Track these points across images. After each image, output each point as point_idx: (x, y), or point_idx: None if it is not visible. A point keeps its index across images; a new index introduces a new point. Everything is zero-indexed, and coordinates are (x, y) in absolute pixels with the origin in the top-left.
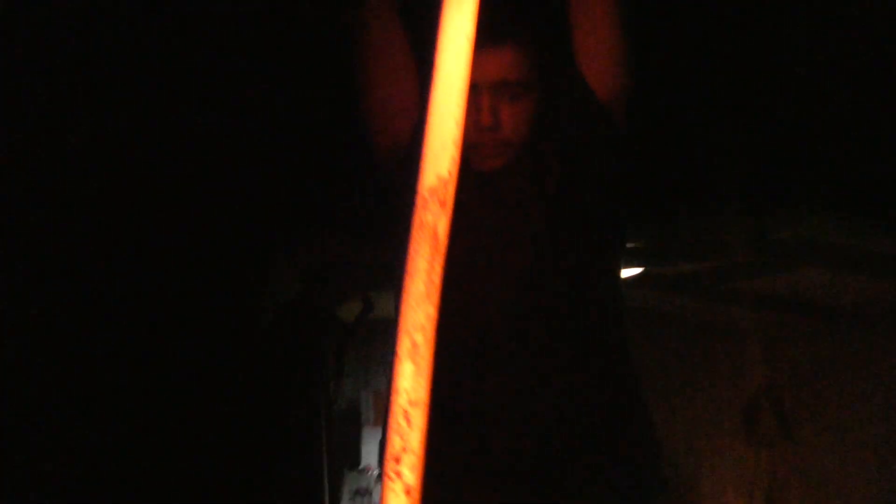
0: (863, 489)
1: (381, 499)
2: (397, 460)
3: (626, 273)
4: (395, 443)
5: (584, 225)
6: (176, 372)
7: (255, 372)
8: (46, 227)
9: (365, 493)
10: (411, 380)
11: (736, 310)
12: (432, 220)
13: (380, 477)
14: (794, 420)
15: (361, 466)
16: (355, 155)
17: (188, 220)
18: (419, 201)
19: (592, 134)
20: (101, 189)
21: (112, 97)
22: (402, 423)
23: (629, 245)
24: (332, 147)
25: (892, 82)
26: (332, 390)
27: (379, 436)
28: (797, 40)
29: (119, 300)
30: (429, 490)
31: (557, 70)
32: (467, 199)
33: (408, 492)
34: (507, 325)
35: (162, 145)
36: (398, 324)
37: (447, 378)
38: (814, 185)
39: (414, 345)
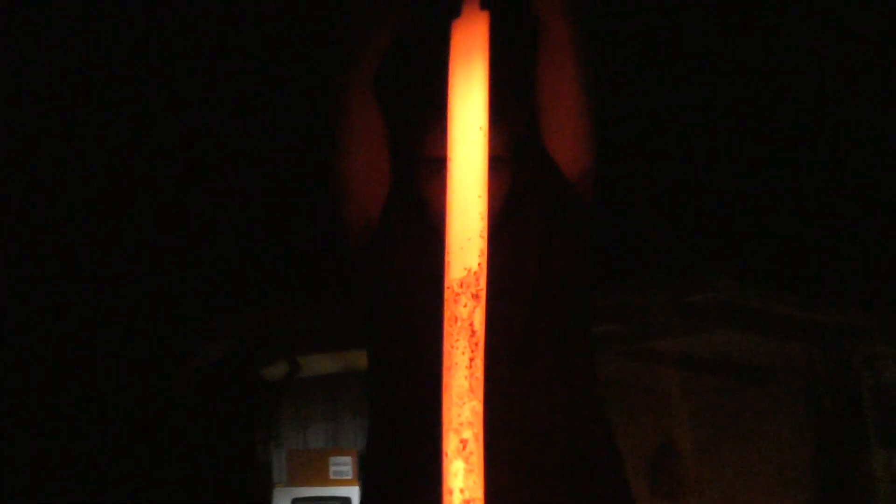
0: None
1: None
2: None
3: None
4: None
5: (559, 285)
6: (87, 435)
7: (173, 432)
8: None
9: None
10: (464, 478)
11: (647, 367)
12: (467, 313)
13: None
14: (694, 472)
15: None
16: (314, 224)
17: (115, 280)
18: (448, 294)
19: (561, 209)
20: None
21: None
22: None
23: None
24: (281, 211)
25: (792, 164)
26: (260, 449)
27: (287, 496)
28: (706, 114)
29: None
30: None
31: (528, 146)
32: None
33: None
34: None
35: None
36: (440, 422)
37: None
38: (725, 255)
39: (463, 442)
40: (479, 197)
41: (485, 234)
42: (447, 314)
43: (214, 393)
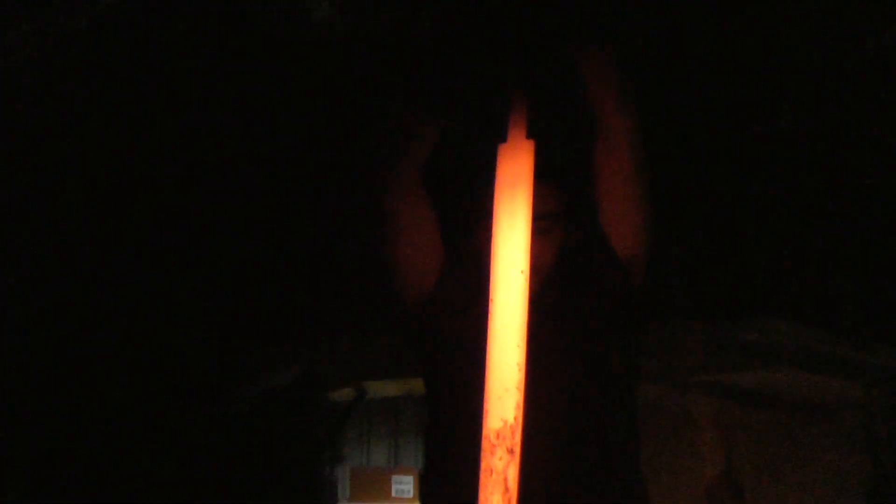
0: None
1: None
2: None
3: None
4: None
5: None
6: (155, 455)
7: (240, 451)
8: None
9: None
10: None
11: (701, 400)
12: (502, 467)
13: None
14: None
15: None
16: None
17: (187, 303)
18: (485, 445)
19: (610, 282)
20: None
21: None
22: None
23: None
24: (347, 254)
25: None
26: (327, 468)
27: None
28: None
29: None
30: None
31: (583, 210)
32: None
33: None
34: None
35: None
36: None
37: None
38: (776, 296)
39: None
40: (518, 346)
41: (522, 387)
42: (483, 464)
43: (282, 413)
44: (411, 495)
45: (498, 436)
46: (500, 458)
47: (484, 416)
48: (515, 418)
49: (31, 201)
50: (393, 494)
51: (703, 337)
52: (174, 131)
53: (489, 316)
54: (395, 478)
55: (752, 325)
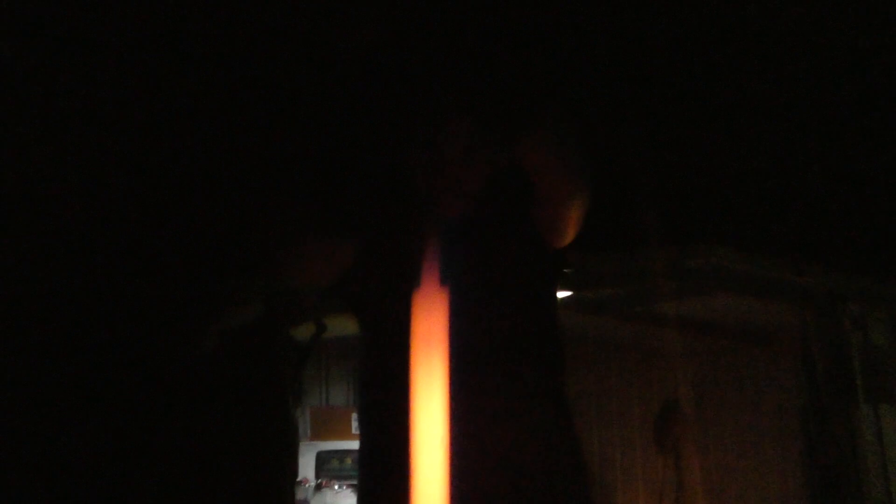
0: (758, 490)
1: None
2: None
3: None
4: None
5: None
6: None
7: (205, 393)
8: None
9: (303, 503)
10: None
11: (649, 330)
12: None
13: (317, 487)
14: (699, 430)
15: (299, 479)
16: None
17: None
18: None
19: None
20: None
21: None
22: None
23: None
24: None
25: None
26: (291, 408)
27: (312, 450)
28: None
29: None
30: None
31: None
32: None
33: None
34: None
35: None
36: None
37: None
38: (720, 222)
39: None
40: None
41: None
42: None
43: (245, 354)
44: None
45: None
46: None
47: None
48: None
49: None
50: (353, 431)
51: (645, 265)
52: None
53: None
54: (355, 416)
55: (694, 252)
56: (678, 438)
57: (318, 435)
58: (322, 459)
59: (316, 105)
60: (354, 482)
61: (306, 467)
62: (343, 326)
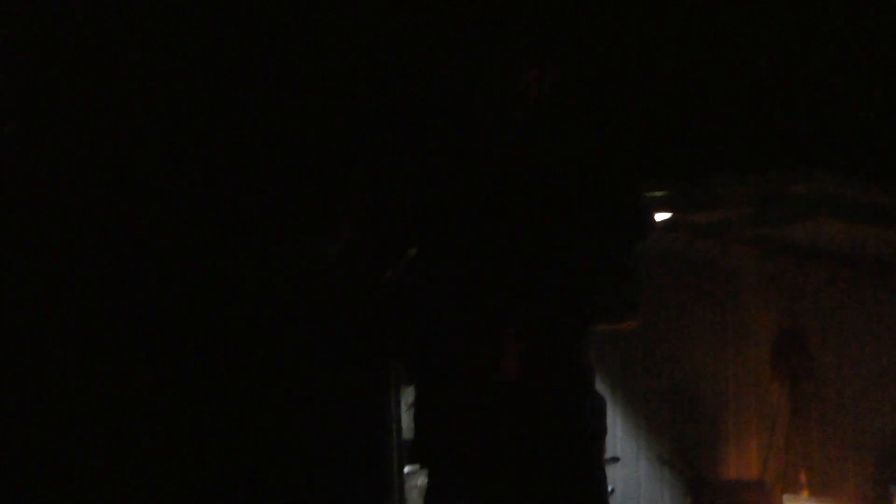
0: (874, 424)
1: None
2: None
3: (658, 218)
4: None
5: None
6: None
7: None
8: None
9: None
10: None
11: (762, 255)
12: None
13: None
14: (817, 359)
15: None
16: None
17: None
18: None
19: None
20: None
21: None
22: None
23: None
24: None
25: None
26: None
27: None
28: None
29: None
30: None
31: None
32: None
33: None
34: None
35: None
36: None
37: None
38: (825, 147)
39: None
40: None
41: None
42: None
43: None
44: None
45: None
46: None
47: None
48: None
49: None
50: None
51: (748, 190)
52: None
53: None
54: None
55: (797, 178)
56: (795, 367)
57: None
58: None
59: None
60: None
61: None
62: None
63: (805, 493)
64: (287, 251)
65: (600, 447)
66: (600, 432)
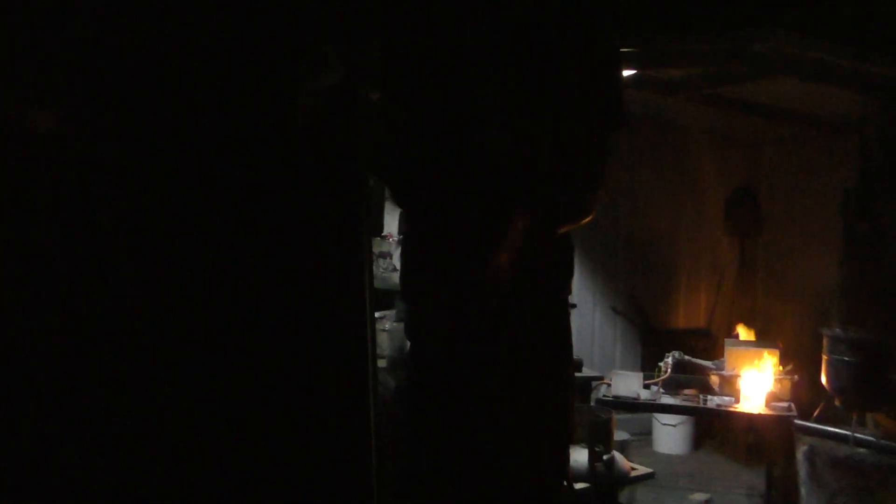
0: (815, 275)
1: None
2: None
3: (625, 73)
4: None
5: None
6: None
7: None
8: None
9: (387, 255)
10: None
11: (721, 113)
12: None
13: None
14: (766, 214)
15: (384, 233)
16: None
17: None
18: None
19: None
20: None
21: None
22: None
23: (626, 49)
24: None
25: None
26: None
27: (397, 210)
28: None
29: None
30: None
31: None
32: None
33: None
34: None
35: None
36: None
37: None
38: (780, 5)
39: None
40: None
41: None
42: None
43: (332, 113)
44: None
45: None
46: None
47: None
48: None
49: None
50: None
51: (711, 47)
52: None
53: None
54: None
55: (756, 36)
56: (745, 222)
57: None
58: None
59: None
60: None
61: (391, 224)
62: None
63: (739, 326)
64: None
65: (567, 288)
66: (568, 273)
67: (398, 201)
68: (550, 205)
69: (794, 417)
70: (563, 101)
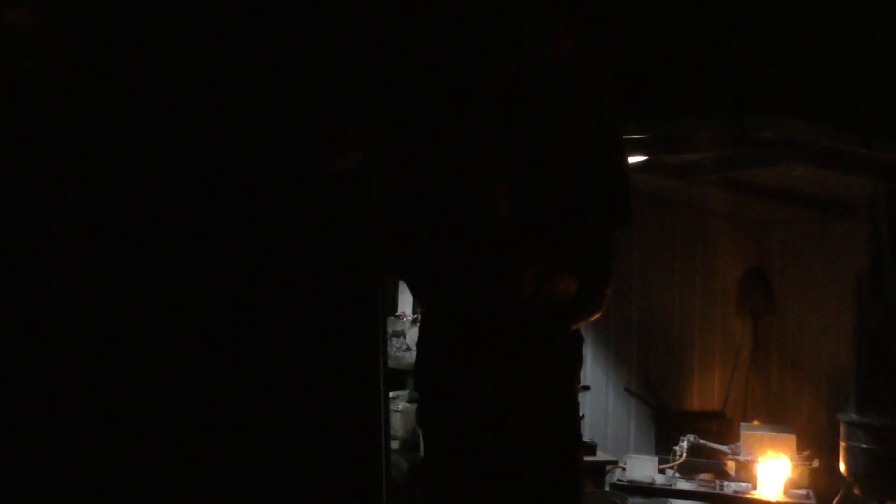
0: (829, 359)
1: None
2: None
3: (633, 160)
4: None
5: None
6: None
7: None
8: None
9: (400, 334)
10: None
11: (732, 196)
12: None
13: (413, 322)
14: (779, 295)
15: (398, 313)
16: None
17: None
18: None
19: None
20: None
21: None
22: None
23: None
24: None
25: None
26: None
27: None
28: None
29: None
30: None
31: None
32: None
33: None
34: None
35: None
36: None
37: None
38: (788, 94)
39: None
40: None
41: None
42: None
43: (348, 195)
44: None
45: None
46: None
47: None
48: None
49: None
50: None
51: (719, 134)
52: None
53: None
54: None
55: (765, 123)
56: (758, 305)
57: None
58: None
59: None
60: None
61: (405, 303)
62: None
63: (756, 423)
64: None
65: (576, 375)
66: (578, 361)
67: (414, 295)
68: (562, 302)
69: None
70: (569, 193)
